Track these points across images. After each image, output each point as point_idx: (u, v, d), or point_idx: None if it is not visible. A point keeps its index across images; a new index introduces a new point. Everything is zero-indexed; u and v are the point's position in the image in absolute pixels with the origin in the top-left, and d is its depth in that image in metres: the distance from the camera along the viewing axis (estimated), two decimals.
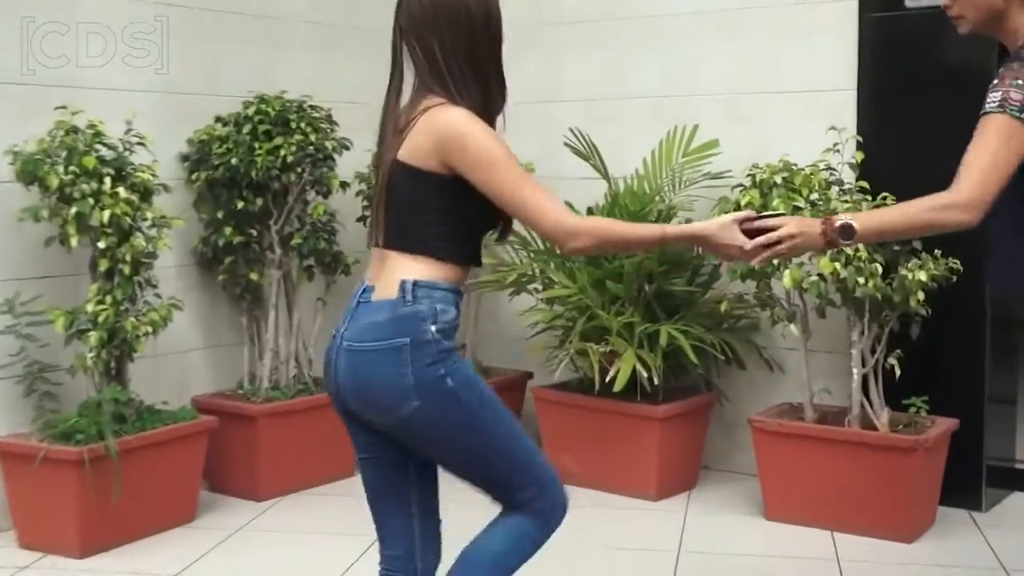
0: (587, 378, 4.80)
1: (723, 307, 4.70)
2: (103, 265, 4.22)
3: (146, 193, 4.34)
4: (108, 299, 4.19)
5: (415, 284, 2.46)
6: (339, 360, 2.53)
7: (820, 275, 4.31)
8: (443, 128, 2.44)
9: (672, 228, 2.62)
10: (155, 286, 4.44)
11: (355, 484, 4.76)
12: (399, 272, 2.48)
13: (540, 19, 5.60)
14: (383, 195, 2.53)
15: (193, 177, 4.86)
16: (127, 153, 4.36)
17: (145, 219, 4.31)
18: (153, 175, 4.37)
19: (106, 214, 4.13)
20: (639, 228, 2.62)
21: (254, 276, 4.90)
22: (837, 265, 4.22)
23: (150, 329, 4.28)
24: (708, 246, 2.61)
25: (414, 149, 2.47)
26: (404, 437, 2.53)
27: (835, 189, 4.51)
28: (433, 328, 2.43)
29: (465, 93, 2.48)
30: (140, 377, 4.54)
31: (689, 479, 4.92)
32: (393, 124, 2.54)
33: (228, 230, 4.82)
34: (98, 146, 4.27)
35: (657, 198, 4.92)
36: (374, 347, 2.46)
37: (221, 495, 4.78)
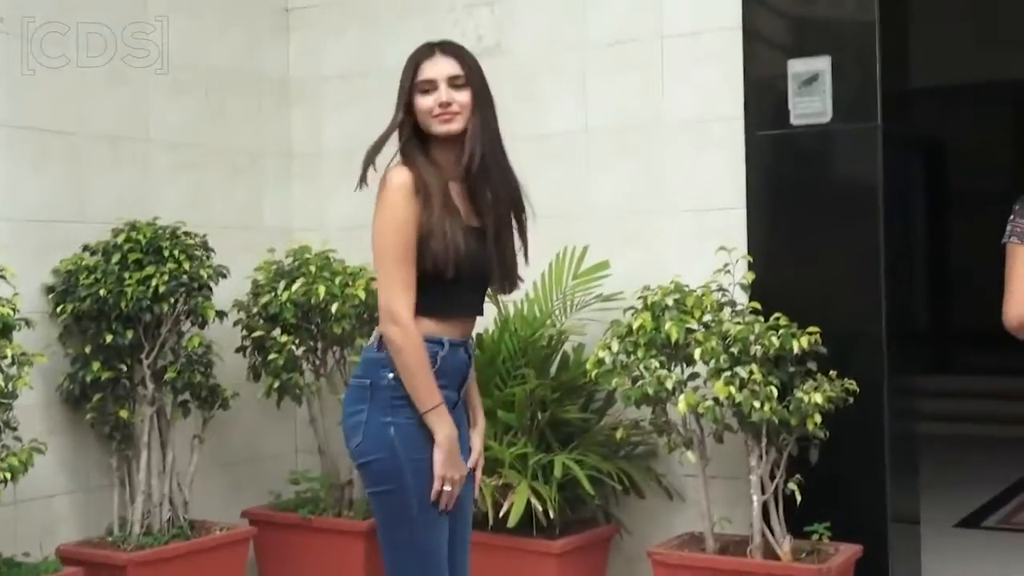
0: (479, 512, 4.79)
1: (619, 434, 4.75)
2: None
3: (5, 328, 4.28)
4: None
5: (383, 334, 2.88)
6: None
7: (715, 399, 4.39)
8: None
9: (440, 413, 2.84)
10: (14, 428, 4.35)
11: None
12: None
13: None
14: None
15: (58, 310, 4.83)
16: None
17: (4, 356, 4.25)
18: (13, 309, 4.32)
19: None
20: (429, 383, 2.85)
21: (124, 413, 4.84)
22: (732, 389, 4.31)
23: (8, 475, 4.19)
24: (440, 450, 2.85)
25: None
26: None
27: (727, 310, 4.62)
28: (390, 376, 2.85)
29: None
30: None
31: None
32: None
33: (96, 365, 4.77)
34: None
35: (548, 322, 4.99)
36: (351, 383, 2.98)
37: None
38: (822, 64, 4.76)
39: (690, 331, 4.50)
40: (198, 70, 5.57)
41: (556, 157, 5.41)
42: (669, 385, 4.43)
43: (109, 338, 4.77)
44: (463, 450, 2.99)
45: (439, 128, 2.93)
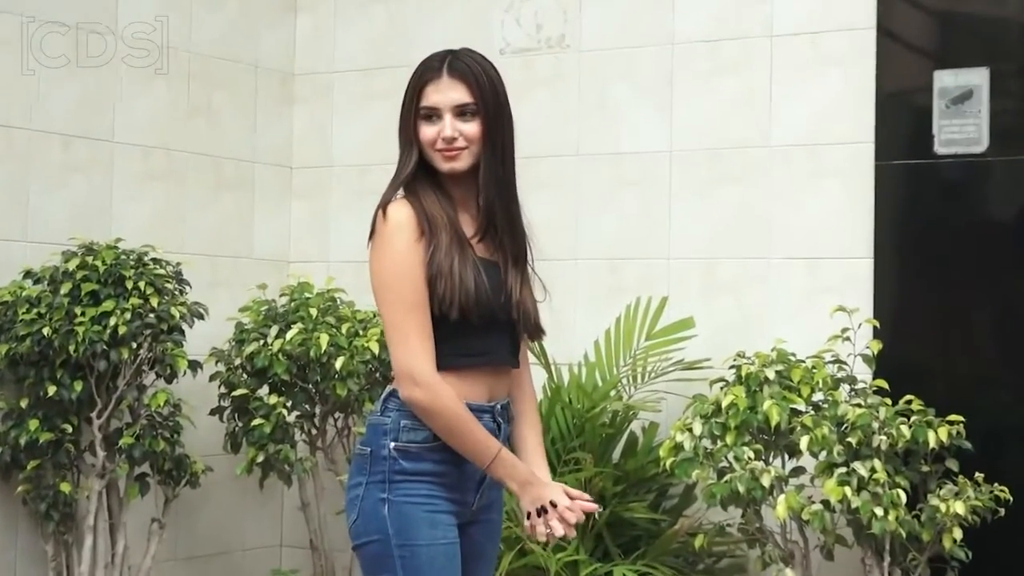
0: None
1: (699, 542, 4.70)
2: None
3: None
4: None
5: (390, 394, 3.05)
6: None
7: (825, 503, 4.35)
8: None
9: (509, 460, 3.01)
10: None
11: None
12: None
13: None
14: None
15: None
16: None
17: None
18: None
19: None
20: (480, 436, 2.99)
21: (66, 487, 4.82)
22: (847, 490, 4.27)
23: None
24: (524, 494, 3.00)
25: None
26: None
27: (845, 389, 4.58)
28: (392, 445, 2.99)
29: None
30: None
31: None
32: None
33: (33, 424, 4.76)
34: None
35: (612, 393, 4.96)
36: (355, 452, 3.13)
37: None
38: (978, 78, 4.73)
39: (795, 413, 4.45)
40: (177, 54, 5.60)
41: (630, 184, 5.39)
42: (766, 482, 4.38)
43: (52, 390, 4.76)
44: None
45: (442, 165, 3.09)
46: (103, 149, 5.34)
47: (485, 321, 3.05)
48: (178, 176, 5.60)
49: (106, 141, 5.35)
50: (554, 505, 2.99)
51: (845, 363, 4.64)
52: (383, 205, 3.03)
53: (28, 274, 4.96)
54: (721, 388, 4.65)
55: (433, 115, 3.06)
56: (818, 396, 4.53)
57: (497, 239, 3.13)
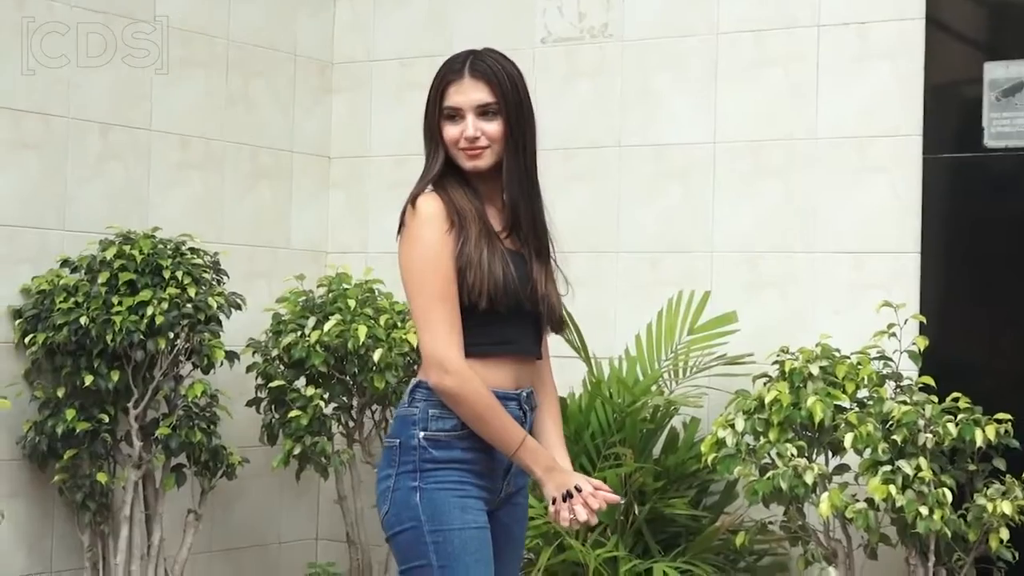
0: None
1: (740, 540, 4.71)
2: None
3: None
4: None
5: (416, 385, 3.17)
6: None
7: (869, 501, 4.36)
8: None
9: (533, 448, 3.13)
10: None
11: None
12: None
13: None
14: None
15: (26, 340, 4.89)
16: None
17: None
18: None
19: None
20: (507, 424, 3.11)
21: (102, 477, 4.87)
22: (892, 489, 4.27)
23: None
24: (548, 480, 3.11)
25: None
26: None
27: (890, 386, 4.58)
28: (421, 435, 3.11)
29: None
30: None
31: None
32: None
33: (70, 414, 4.81)
34: None
35: (654, 388, 4.98)
36: (385, 445, 3.24)
37: None
38: None
39: (840, 410, 4.46)
40: (214, 43, 5.65)
41: (673, 176, 5.41)
42: (809, 479, 4.39)
43: (89, 380, 4.81)
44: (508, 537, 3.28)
45: (465, 164, 3.22)
46: (141, 138, 5.39)
47: (512, 310, 3.18)
48: (215, 165, 5.66)
49: (144, 129, 5.40)
50: (579, 490, 3.08)
51: (891, 360, 4.65)
52: (412, 199, 3.16)
53: (65, 263, 5.02)
54: (764, 384, 4.66)
55: (456, 115, 3.19)
56: (863, 393, 4.54)
57: (522, 234, 3.27)
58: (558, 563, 4.73)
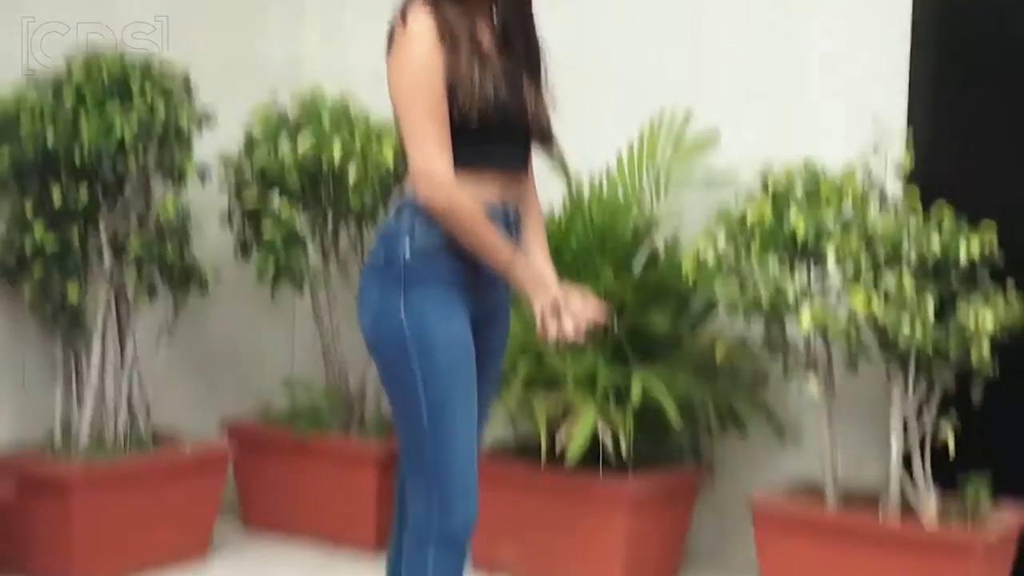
0: (531, 443, 4.81)
1: (720, 352, 4.75)
2: None
3: None
4: None
5: (403, 202, 3.21)
6: None
7: (851, 315, 4.37)
8: None
9: (522, 261, 3.17)
10: None
11: (209, 568, 4.84)
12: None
13: None
14: None
15: None
16: None
17: None
18: None
19: None
20: (495, 238, 3.14)
21: (74, 293, 4.86)
22: (874, 302, 4.28)
23: None
24: (539, 302, 3.14)
25: None
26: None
27: (875, 202, 4.57)
28: (407, 249, 3.15)
29: None
30: None
31: None
32: None
33: (39, 230, 4.78)
34: None
35: (635, 207, 4.96)
36: (368, 260, 3.30)
37: None
38: None
39: (823, 227, 4.45)
40: None
41: None
42: (790, 294, 4.41)
43: (57, 197, 4.77)
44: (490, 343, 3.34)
45: None
46: None
47: (502, 127, 3.22)
48: None
49: None
50: (567, 305, 3.11)
51: (875, 176, 4.61)
52: (402, 13, 3.16)
53: (31, 78, 4.89)
54: (747, 201, 4.62)
55: None
56: (848, 209, 4.51)
57: (514, 52, 3.29)
58: (535, 373, 4.75)
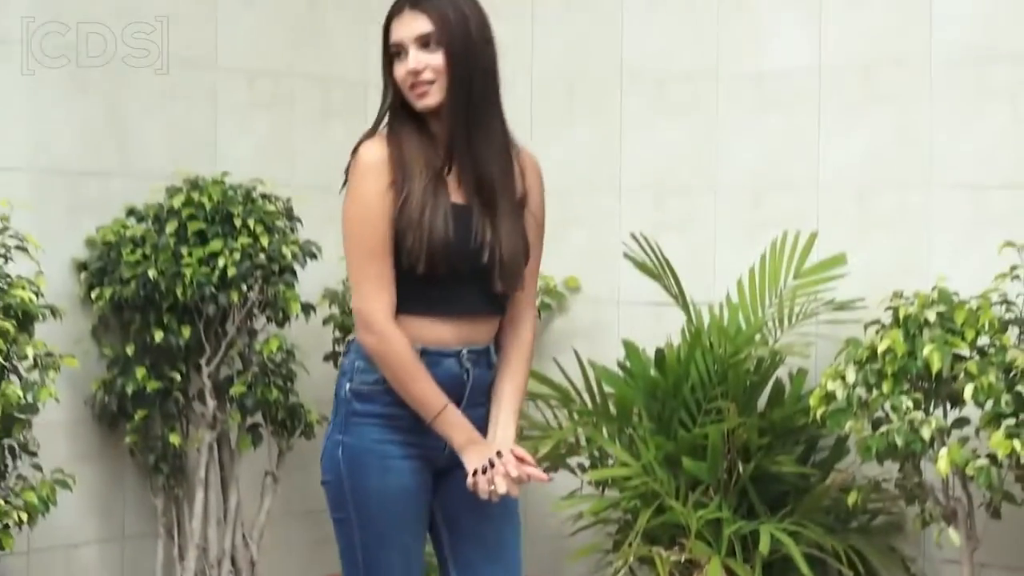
0: None
1: (852, 498, 4.69)
2: None
3: (26, 319, 4.39)
4: None
5: (352, 339, 3.32)
6: None
7: (991, 457, 4.32)
8: None
9: (452, 417, 3.19)
10: (34, 453, 4.47)
11: None
12: None
13: (596, 72, 5.71)
14: None
15: (92, 295, 4.93)
16: (0, 261, 4.41)
17: (24, 356, 4.34)
18: (36, 293, 4.41)
19: None
20: (424, 388, 3.18)
21: (175, 439, 4.94)
22: (1017, 443, 4.23)
23: (24, 516, 4.30)
24: (465, 453, 3.18)
25: None
26: None
27: (1013, 332, 4.52)
28: (348, 386, 3.27)
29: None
30: None
31: None
32: None
33: (140, 372, 4.87)
34: None
35: (757, 337, 4.96)
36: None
37: None
38: None
39: (959, 359, 4.40)
40: None
41: (773, 105, 5.35)
42: (926, 434, 4.36)
43: (159, 336, 4.87)
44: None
45: (415, 103, 3.23)
46: (206, 77, 5.40)
47: (452, 273, 3.22)
48: (286, 103, 5.65)
49: (208, 68, 5.41)
50: (500, 457, 3.15)
51: (1014, 304, 4.59)
52: (356, 146, 3.24)
53: (131, 212, 5.04)
54: (876, 331, 4.60)
55: (400, 51, 3.22)
56: (983, 340, 4.47)
57: (465, 182, 3.26)
58: (657, 524, 4.74)
